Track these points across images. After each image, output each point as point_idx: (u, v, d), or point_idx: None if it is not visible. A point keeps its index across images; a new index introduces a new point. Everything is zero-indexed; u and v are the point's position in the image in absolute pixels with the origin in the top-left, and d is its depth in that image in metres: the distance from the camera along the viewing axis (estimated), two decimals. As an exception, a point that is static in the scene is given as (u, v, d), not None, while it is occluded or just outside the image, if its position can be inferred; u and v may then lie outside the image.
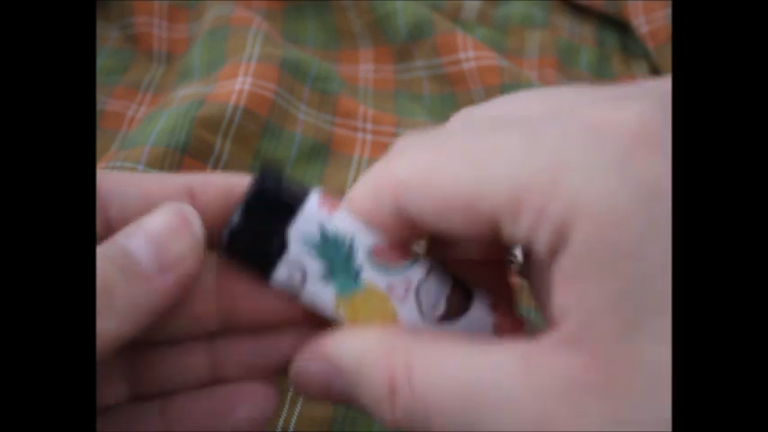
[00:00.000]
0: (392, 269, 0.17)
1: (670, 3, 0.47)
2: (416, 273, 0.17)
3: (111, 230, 0.17)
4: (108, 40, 0.44)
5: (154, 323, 0.16)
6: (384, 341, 0.16)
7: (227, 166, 0.33)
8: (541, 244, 0.14)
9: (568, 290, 0.13)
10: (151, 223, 0.16)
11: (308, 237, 0.17)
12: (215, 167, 0.33)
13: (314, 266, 0.18)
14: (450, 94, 0.42)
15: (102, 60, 0.42)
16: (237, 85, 0.36)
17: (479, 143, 0.15)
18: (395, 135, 0.38)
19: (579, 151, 0.13)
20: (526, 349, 0.14)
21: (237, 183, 0.18)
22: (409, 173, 0.16)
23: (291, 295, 0.18)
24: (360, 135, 0.38)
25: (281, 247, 0.17)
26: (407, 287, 0.17)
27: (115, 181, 0.18)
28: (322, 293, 0.18)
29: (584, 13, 0.51)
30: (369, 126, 0.38)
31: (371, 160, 0.37)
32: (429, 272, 0.17)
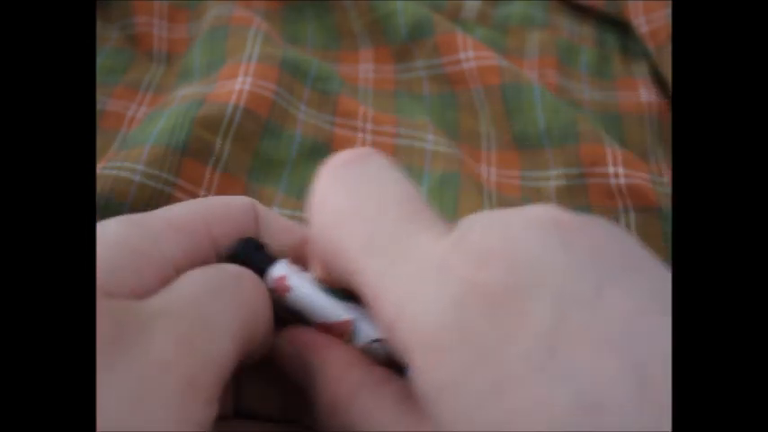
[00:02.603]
0: None
1: (670, 3, 0.47)
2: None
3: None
4: (108, 41, 0.44)
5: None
6: (338, 367, 0.17)
7: (227, 167, 0.33)
8: (396, 350, 0.15)
9: (423, 404, 0.14)
10: None
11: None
12: (215, 167, 0.33)
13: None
14: (450, 94, 0.42)
15: (102, 60, 0.42)
16: (237, 84, 0.36)
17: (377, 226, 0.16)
18: (395, 135, 0.38)
19: (425, 286, 0.14)
20: None
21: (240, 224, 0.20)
22: (318, 223, 0.17)
23: None
24: (360, 135, 0.38)
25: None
26: None
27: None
28: None
29: (584, 13, 0.51)
30: (369, 126, 0.38)
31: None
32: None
